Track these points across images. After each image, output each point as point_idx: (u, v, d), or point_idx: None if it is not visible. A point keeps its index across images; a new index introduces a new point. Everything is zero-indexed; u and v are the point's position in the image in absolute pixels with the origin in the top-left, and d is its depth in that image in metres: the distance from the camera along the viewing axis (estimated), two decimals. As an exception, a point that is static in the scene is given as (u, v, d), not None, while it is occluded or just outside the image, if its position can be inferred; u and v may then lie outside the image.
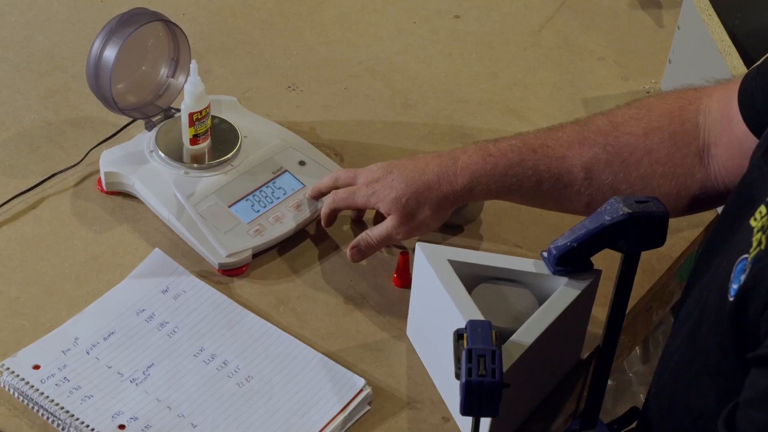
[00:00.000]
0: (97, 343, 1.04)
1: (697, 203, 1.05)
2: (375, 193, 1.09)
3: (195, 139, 1.18)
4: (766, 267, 0.76)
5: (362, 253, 1.11)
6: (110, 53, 1.13)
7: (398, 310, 1.11)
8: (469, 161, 1.06)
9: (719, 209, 1.15)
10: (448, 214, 1.10)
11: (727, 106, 1.01)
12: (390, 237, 1.10)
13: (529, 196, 1.08)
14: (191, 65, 1.15)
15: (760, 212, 0.80)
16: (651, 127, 1.04)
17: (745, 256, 0.79)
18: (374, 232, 1.10)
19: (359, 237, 1.11)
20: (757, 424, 0.74)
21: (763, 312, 0.76)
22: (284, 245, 1.17)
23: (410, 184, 1.07)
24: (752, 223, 0.80)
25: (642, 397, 1.57)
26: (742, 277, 0.79)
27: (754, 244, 0.78)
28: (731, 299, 0.80)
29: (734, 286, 0.80)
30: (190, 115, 1.16)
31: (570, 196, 1.06)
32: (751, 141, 0.97)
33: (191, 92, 1.16)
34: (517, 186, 1.06)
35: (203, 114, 1.17)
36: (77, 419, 0.97)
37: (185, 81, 1.19)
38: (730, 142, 1.00)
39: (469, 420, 0.88)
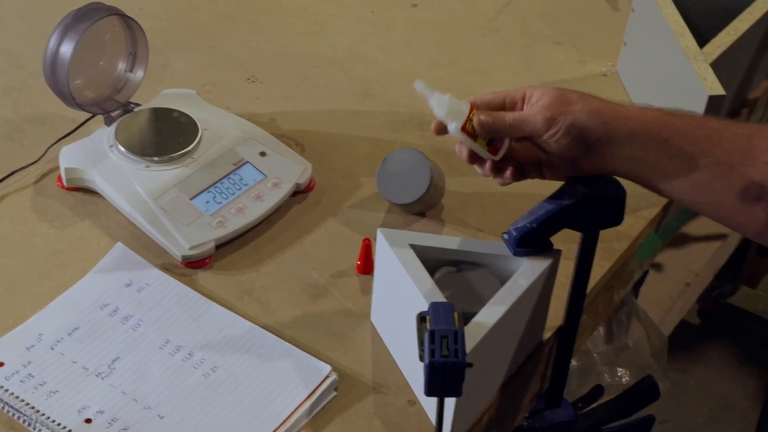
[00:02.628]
0: (62, 338, 1.04)
1: None
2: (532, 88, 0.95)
3: (494, 147, 0.96)
4: None
5: (491, 126, 0.94)
6: (67, 49, 1.13)
7: (362, 297, 1.11)
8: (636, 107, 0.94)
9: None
10: (590, 139, 0.92)
11: None
12: (529, 115, 0.93)
13: (692, 160, 0.91)
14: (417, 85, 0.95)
15: None
16: None
17: None
18: (512, 113, 0.94)
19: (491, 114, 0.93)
20: None
21: None
22: (247, 236, 1.17)
23: (566, 90, 0.94)
24: None
25: (607, 377, 1.59)
26: None
27: None
28: None
29: None
30: (463, 128, 0.94)
31: (737, 177, 0.91)
32: None
33: (443, 114, 0.95)
34: (689, 134, 0.91)
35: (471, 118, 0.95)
36: (43, 415, 0.97)
37: (143, 75, 1.19)
38: None
39: (434, 402, 0.89)
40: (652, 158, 0.92)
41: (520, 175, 0.99)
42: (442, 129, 0.96)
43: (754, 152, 0.90)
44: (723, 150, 0.91)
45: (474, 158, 0.98)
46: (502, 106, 0.97)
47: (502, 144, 0.96)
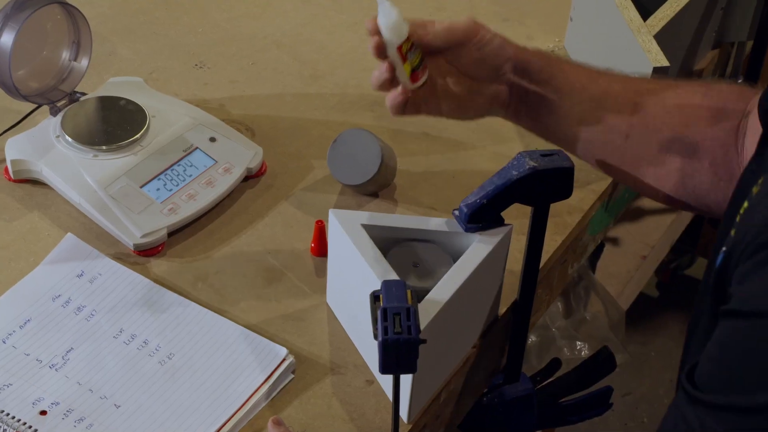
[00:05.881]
0: (13, 331, 1.03)
1: (712, 184, 1.00)
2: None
3: (415, 75, 1.01)
4: (736, 243, 0.77)
5: (427, 29, 1.02)
6: (7, 39, 1.11)
7: (317, 279, 1.11)
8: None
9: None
10: (500, 61, 1.04)
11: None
12: (456, 22, 1.02)
13: (577, 93, 1.05)
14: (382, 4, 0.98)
15: (743, 207, 0.81)
16: (714, 88, 1.04)
17: (724, 248, 0.81)
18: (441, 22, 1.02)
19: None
20: None
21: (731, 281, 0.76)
22: (200, 222, 1.16)
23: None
24: (737, 219, 0.81)
25: (566, 352, 1.61)
26: (717, 267, 0.80)
27: (732, 234, 0.80)
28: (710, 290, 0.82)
29: (712, 279, 0.82)
30: (399, 48, 0.99)
31: (615, 113, 1.03)
32: None
33: (386, 25, 0.98)
34: (571, 67, 1.05)
35: (411, 42, 1.00)
36: (-3, 409, 0.96)
37: (88, 63, 1.17)
38: (754, 139, 0.96)
39: (391, 380, 0.89)
40: (543, 88, 1.05)
41: (414, 109, 1.05)
42: (381, 48, 0.99)
43: (629, 92, 1.03)
44: (598, 86, 1.03)
45: (390, 84, 1.02)
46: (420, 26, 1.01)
47: (423, 74, 1.02)
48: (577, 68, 1.06)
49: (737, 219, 0.81)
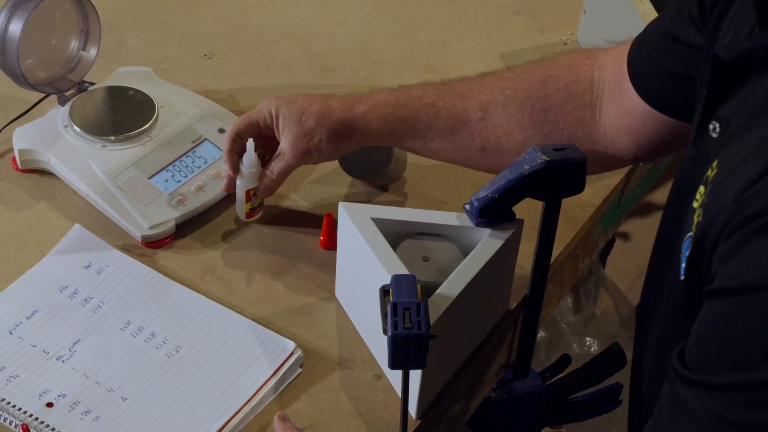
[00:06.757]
0: (20, 322, 1.02)
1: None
2: (278, 106, 1.08)
3: (251, 212, 1.13)
4: (707, 226, 0.76)
5: (270, 189, 1.11)
6: (16, 27, 1.10)
7: (326, 272, 1.10)
8: (373, 95, 1.09)
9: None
10: (343, 147, 1.09)
11: (620, 64, 1.03)
12: (287, 161, 1.09)
13: (424, 134, 1.08)
14: (248, 144, 1.08)
15: (700, 192, 0.80)
16: (549, 75, 1.06)
17: (690, 234, 0.80)
18: (274, 165, 1.10)
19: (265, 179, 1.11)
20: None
21: (710, 262, 0.75)
22: (207, 214, 1.15)
23: (313, 103, 1.08)
24: (694, 204, 0.81)
25: (575, 347, 1.60)
26: (687, 254, 0.79)
27: (695, 220, 0.79)
28: (682, 278, 0.81)
29: (683, 266, 0.81)
30: (247, 192, 1.10)
31: (465, 137, 1.07)
32: (638, 102, 1.00)
33: (249, 170, 1.09)
34: (414, 118, 1.07)
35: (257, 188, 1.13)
36: (3, 400, 0.95)
37: (97, 53, 1.16)
38: (621, 99, 1.02)
39: (400, 375, 0.88)
40: (395, 142, 1.10)
41: None
42: (233, 184, 1.11)
43: (468, 113, 1.06)
44: (442, 120, 1.06)
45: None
46: (257, 126, 1.09)
47: (257, 213, 1.14)
48: (417, 110, 1.07)
49: (695, 205, 0.80)
